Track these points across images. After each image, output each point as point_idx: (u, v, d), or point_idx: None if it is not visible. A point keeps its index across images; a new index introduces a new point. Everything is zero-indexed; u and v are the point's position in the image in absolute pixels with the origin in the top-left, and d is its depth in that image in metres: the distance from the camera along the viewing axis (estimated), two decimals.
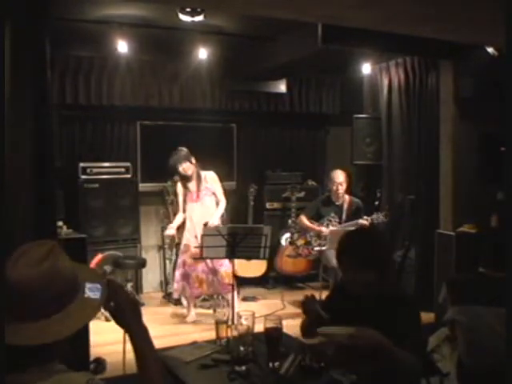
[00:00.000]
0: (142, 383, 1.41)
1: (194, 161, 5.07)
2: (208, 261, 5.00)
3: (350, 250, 2.27)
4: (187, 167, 5.03)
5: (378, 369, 2.09)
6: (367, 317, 2.11)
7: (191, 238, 5.03)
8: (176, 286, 5.14)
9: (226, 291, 5.01)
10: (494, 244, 2.58)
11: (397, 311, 2.18)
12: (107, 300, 1.42)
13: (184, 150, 5.10)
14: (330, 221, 5.45)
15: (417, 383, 2.26)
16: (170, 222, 6.06)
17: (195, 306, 5.32)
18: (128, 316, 1.44)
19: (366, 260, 2.20)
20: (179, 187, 5.20)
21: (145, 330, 1.45)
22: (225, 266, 4.98)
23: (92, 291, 1.38)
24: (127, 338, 1.46)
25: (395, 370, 2.07)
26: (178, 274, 5.12)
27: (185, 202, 5.15)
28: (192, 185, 5.11)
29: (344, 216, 5.48)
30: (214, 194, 5.15)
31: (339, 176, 5.52)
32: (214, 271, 5.05)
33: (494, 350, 2.31)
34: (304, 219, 5.59)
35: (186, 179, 5.09)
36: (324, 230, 5.39)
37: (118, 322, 1.45)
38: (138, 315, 1.46)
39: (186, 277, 5.05)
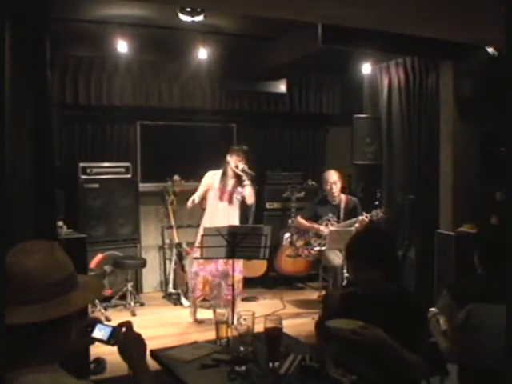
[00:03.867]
0: None
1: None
2: (220, 262, 4.90)
3: (360, 250, 2.29)
4: (237, 161, 4.94)
5: (379, 368, 2.11)
6: (378, 316, 2.13)
7: None
8: (190, 283, 5.12)
9: (231, 296, 4.66)
10: (492, 243, 2.58)
11: (407, 311, 2.20)
12: (118, 335, 1.55)
13: (245, 148, 5.03)
14: (329, 220, 5.45)
15: (417, 383, 2.27)
16: (170, 222, 6.08)
17: (196, 308, 5.22)
18: (134, 354, 1.54)
19: (377, 260, 2.23)
20: (209, 178, 5.02)
21: (147, 368, 1.56)
22: (237, 272, 4.79)
23: (100, 331, 1.54)
24: None
25: (397, 367, 2.09)
26: (192, 270, 5.06)
27: (208, 198, 5.00)
28: (231, 183, 4.98)
29: (342, 215, 5.49)
30: (243, 198, 5.04)
31: (332, 176, 5.53)
32: (225, 275, 4.92)
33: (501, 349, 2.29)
34: (301, 220, 5.59)
35: (226, 175, 4.97)
36: (322, 228, 5.39)
37: (124, 358, 1.55)
38: (143, 353, 1.57)
39: (195, 276, 4.99)
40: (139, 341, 1.57)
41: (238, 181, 4.98)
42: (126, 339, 1.55)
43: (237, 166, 4.94)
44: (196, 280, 5.00)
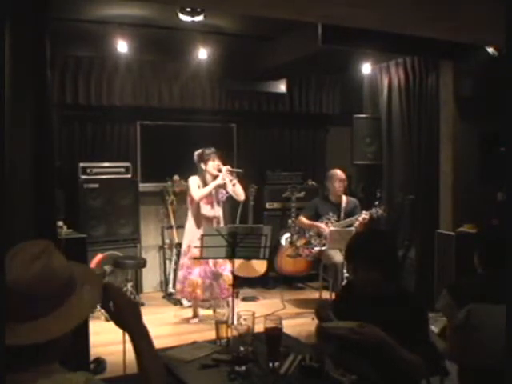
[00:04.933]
0: (143, 382, 1.42)
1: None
2: (210, 264, 4.96)
3: (360, 250, 2.29)
4: (218, 165, 4.99)
5: (379, 368, 2.11)
6: (377, 316, 2.13)
7: (197, 241, 4.62)
8: (178, 287, 5.13)
9: (225, 296, 4.99)
10: (492, 243, 2.58)
11: (407, 310, 2.19)
12: (106, 301, 1.43)
13: (215, 150, 5.05)
14: (329, 219, 5.45)
15: (417, 383, 2.26)
16: (170, 222, 6.08)
17: (197, 309, 5.23)
18: (128, 316, 1.45)
19: (376, 260, 2.22)
20: (196, 182, 4.98)
21: (145, 330, 1.47)
22: (227, 270, 4.97)
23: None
24: (127, 338, 1.47)
25: (397, 367, 2.09)
26: (180, 275, 5.09)
27: (198, 204, 5.01)
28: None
29: (342, 214, 5.49)
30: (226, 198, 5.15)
31: (339, 174, 5.55)
32: (216, 275, 5.00)
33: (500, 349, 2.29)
34: (303, 219, 5.60)
35: (212, 178, 5.00)
36: (323, 226, 5.39)
37: (118, 323, 1.46)
38: (138, 315, 1.48)
39: (185, 279, 5.04)
40: (132, 304, 1.49)
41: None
42: (119, 304, 1.45)
43: (219, 170, 4.98)
44: (185, 282, 5.01)
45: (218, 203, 5.13)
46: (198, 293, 4.99)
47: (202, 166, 5.01)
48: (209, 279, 5.00)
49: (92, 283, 1.40)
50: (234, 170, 5.14)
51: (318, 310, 2.41)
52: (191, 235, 5.00)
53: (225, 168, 4.99)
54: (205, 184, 5.01)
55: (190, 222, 5.08)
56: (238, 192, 5.07)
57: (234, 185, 5.02)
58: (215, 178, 5.00)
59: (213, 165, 4.99)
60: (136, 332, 1.44)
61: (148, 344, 1.45)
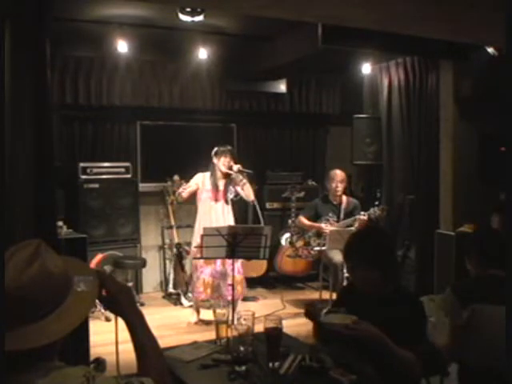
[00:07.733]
0: (142, 368, 1.41)
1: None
2: (218, 263, 4.92)
3: (358, 249, 2.30)
4: (229, 162, 4.96)
5: (377, 366, 2.11)
6: (376, 315, 2.13)
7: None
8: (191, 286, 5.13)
9: (230, 297, 4.86)
10: (493, 243, 2.58)
11: (406, 310, 2.19)
12: (98, 289, 1.43)
13: (231, 148, 5.05)
14: (328, 220, 5.45)
15: (417, 383, 2.26)
16: (170, 222, 6.08)
17: (199, 309, 5.22)
18: (121, 302, 1.45)
19: (375, 259, 2.22)
20: (199, 178, 5.03)
21: (139, 315, 1.47)
22: (239, 273, 4.93)
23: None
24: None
25: (393, 365, 2.09)
26: (194, 276, 5.04)
27: (200, 200, 5.00)
28: (221, 183, 5.03)
29: (342, 215, 5.49)
30: (236, 196, 5.09)
31: (339, 175, 5.53)
32: (224, 275, 4.94)
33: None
34: (303, 220, 5.59)
35: (222, 175, 4.99)
36: (324, 226, 5.39)
37: (112, 310, 1.47)
38: (132, 301, 1.48)
39: (195, 278, 5.00)
40: (125, 289, 1.49)
41: (229, 180, 5.02)
42: (111, 290, 1.44)
43: (230, 168, 4.96)
44: (197, 282, 4.99)
45: (227, 202, 5.06)
46: (208, 292, 4.96)
47: (215, 159, 4.99)
48: (217, 279, 4.97)
49: (86, 275, 1.38)
50: (245, 170, 5.05)
51: (308, 311, 2.40)
52: (196, 235, 4.95)
53: (236, 167, 4.96)
54: (214, 180, 4.99)
55: (197, 221, 5.04)
56: (248, 192, 5.02)
57: (244, 184, 4.97)
58: (225, 175, 4.99)
59: (224, 161, 4.96)
60: (130, 317, 1.44)
61: (144, 328, 1.45)
